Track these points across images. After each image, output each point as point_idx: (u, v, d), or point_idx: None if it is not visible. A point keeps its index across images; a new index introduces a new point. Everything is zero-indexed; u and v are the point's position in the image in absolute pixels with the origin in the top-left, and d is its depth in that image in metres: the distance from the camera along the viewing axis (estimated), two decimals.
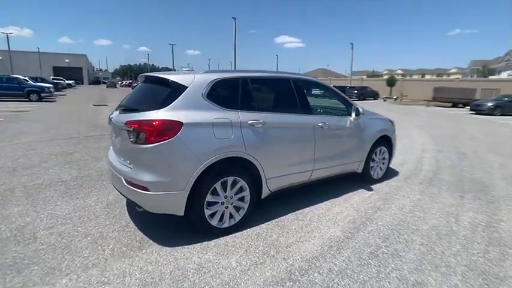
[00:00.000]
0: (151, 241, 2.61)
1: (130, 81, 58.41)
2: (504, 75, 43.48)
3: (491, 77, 36.80)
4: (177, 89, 2.55)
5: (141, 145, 2.38)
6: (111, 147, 3.11)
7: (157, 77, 2.86)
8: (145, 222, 2.94)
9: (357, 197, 3.73)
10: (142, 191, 2.40)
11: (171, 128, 2.37)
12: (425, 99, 26.55)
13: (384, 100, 27.32)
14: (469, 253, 2.54)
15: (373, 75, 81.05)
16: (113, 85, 48.14)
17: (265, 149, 2.87)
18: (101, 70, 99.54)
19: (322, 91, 4.04)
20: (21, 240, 2.55)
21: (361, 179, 4.16)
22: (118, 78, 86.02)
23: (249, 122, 2.77)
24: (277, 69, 64.44)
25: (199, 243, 2.59)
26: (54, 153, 5.45)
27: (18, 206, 3.21)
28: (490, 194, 3.98)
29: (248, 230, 2.85)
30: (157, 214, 2.57)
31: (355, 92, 27.34)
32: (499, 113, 15.72)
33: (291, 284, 2.09)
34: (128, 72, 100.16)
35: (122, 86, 53.17)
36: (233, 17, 31.21)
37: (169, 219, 2.89)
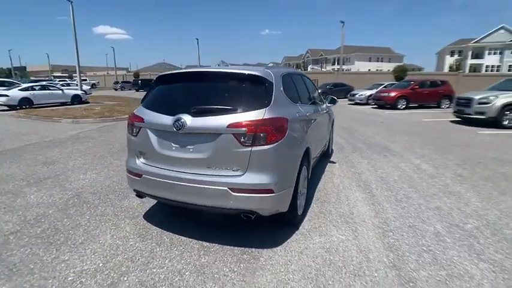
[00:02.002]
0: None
1: None
2: (308, 69, 59.10)
3: (305, 71, 48.75)
4: (268, 86, 2.55)
5: (261, 146, 2.29)
6: (149, 161, 2.61)
7: (238, 73, 2.63)
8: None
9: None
10: (264, 195, 2.33)
11: (283, 125, 2.42)
12: None
13: None
14: None
15: None
16: None
17: (311, 136, 3.32)
18: None
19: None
20: None
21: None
22: None
23: (307, 114, 3.13)
24: (115, 65, 57.06)
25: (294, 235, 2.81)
26: None
27: None
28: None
29: None
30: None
31: None
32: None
33: None
34: None
35: None
36: None
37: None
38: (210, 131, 2.35)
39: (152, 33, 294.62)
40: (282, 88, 2.75)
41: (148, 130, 2.61)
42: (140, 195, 2.85)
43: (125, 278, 2.17)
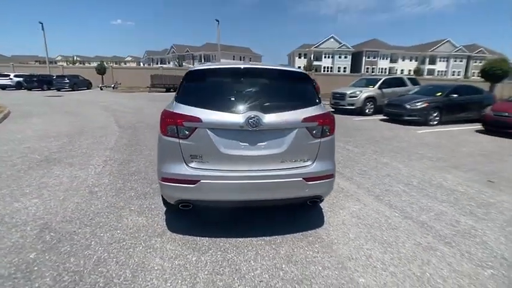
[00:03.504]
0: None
1: None
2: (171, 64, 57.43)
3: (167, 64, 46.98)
4: (314, 84, 2.87)
5: (326, 137, 2.63)
6: (209, 164, 2.48)
7: (292, 71, 2.86)
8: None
9: None
10: (329, 180, 2.70)
11: (334, 119, 2.80)
12: (138, 86, 29.51)
13: (101, 89, 26.62)
14: None
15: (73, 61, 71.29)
16: None
17: None
18: None
19: None
20: None
21: None
22: None
23: None
24: None
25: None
26: None
27: None
28: None
29: None
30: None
31: (66, 81, 23.99)
32: None
33: None
34: None
35: None
36: None
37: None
38: (286, 126, 2.49)
39: None
40: None
41: (208, 131, 2.42)
42: (187, 205, 2.57)
43: None
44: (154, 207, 3.33)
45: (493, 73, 14.43)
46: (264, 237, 2.76)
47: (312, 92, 2.79)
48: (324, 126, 2.60)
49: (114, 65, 38.35)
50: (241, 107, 2.45)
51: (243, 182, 2.45)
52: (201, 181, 2.44)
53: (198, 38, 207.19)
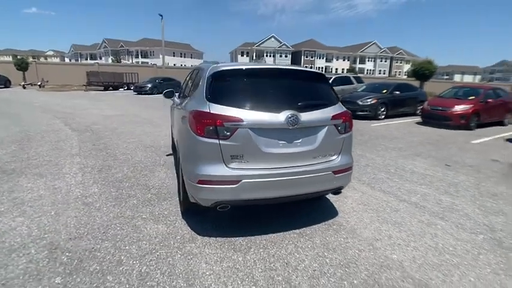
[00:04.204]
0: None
1: None
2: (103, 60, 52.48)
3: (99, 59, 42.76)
4: (330, 84, 3.07)
5: (347, 133, 2.88)
6: (249, 163, 2.52)
7: (315, 72, 2.98)
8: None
9: None
10: (349, 171, 2.96)
11: (351, 116, 3.06)
12: (70, 84, 26.38)
13: (24, 87, 23.00)
14: None
15: None
16: None
17: None
18: None
19: None
20: None
21: None
22: None
23: None
24: None
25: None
26: None
27: None
28: None
29: None
30: None
31: None
32: (156, 91, 21.20)
33: None
34: None
35: None
36: None
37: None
38: (319, 123, 2.65)
39: None
40: None
41: (249, 130, 2.43)
42: (225, 206, 2.54)
43: None
44: (168, 213, 3.17)
45: (422, 73, 17.00)
46: (294, 231, 2.89)
47: (332, 91, 3.00)
48: (346, 122, 2.84)
49: (33, 59, 33.32)
50: (277, 107, 2.53)
51: (281, 179, 2.54)
52: (243, 181, 2.45)
53: (132, 33, 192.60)
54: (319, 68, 69.61)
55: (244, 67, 2.76)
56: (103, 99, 16.53)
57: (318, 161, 2.72)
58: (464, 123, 8.83)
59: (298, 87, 2.87)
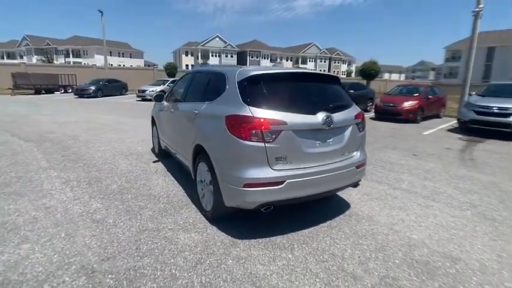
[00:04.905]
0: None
1: None
2: (33, 60, 46.09)
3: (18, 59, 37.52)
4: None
5: (363, 131, 3.18)
6: (292, 164, 2.65)
7: (335, 76, 3.18)
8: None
9: None
10: (365, 166, 3.27)
11: None
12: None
13: None
14: None
15: None
16: None
17: None
18: None
19: None
20: None
21: None
22: None
23: None
24: None
25: None
26: None
27: None
28: None
29: None
30: None
31: None
32: (101, 94, 19.51)
33: None
34: None
35: None
36: None
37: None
38: (346, 123, 2.88)
39: None
40: None
41: (291, 132, 2.53)
42: (269, 207, 2.61)
43: None
44: (193, 221, 3.10)
45: (369, 73, 18.94)
46: (322, 225, 3.08)
47: (347, 94, 3.28)
48: (363, 121, 3.14)
49: None
50: (312, 109, 2.70)
51: (318, 177, 2.71)
52: (287, 181, 2.55)
53: (59, 30, 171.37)
54: None
55: (276, 71, 2.85)
56: (41, 104, 14.66)
57: (345, 157, 2.96)
58: (412, 117, 10.13)
59: (324, 90, 3.08)
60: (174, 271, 2.29)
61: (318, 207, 3.49)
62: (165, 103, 4.72)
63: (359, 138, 3.10)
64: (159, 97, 4.74)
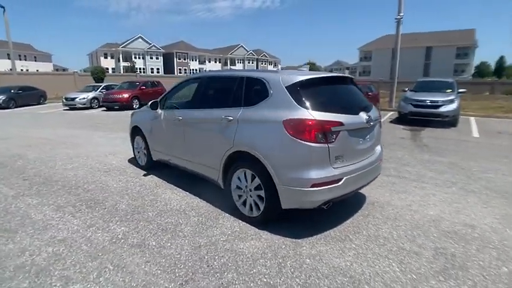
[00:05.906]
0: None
1: None
2: None
3: None
4: None
5: (380, 128, 3.61)
6: (346, 161, 2.89)
7: (353, 78, 3.46)
8: None
9: None
10: (382, 161, 3.72)
11: None
12: None
13: None
14: None
15: None
16: None
17: None
18: None
19: None
20: None
21: None
22: None
23: None
24: None
25: None
26: None
27: None
28: None
29: None
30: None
31: None
32: (13, 105, 16.51)
33: None
34: None
35: None
36: None
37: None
38: (376, 121, 3.24)
39: None
40: None
41: (346, 132, 2.75)
42: (329, 203, 2.79)
43: None
44: (239, 229, 3.06)
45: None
46: (357, 214, 3.40)
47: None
48: (381, 119, 3.58)
49: None
50: (355, 109, 2.99)
51: (363, 172, 3.01)
52: (344, 178, 2.78)
53: None
54: (193, 70, 69.96)
55: (320, 76, 3.06)
56: None
57: (375, 152, 3.34)
58: None
59: (354, 92, 3.39)
60: (266, 279, 2.29)
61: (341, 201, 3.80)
62: (160, 111, 4.44)
63: (380, 134, 3.52)
64: (154, 105, 4.42)
